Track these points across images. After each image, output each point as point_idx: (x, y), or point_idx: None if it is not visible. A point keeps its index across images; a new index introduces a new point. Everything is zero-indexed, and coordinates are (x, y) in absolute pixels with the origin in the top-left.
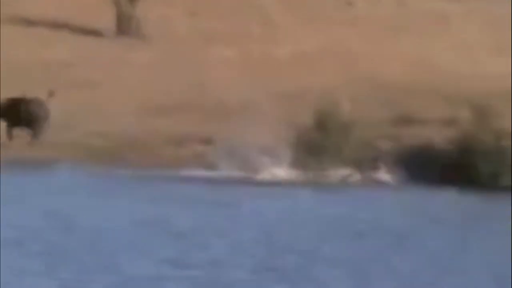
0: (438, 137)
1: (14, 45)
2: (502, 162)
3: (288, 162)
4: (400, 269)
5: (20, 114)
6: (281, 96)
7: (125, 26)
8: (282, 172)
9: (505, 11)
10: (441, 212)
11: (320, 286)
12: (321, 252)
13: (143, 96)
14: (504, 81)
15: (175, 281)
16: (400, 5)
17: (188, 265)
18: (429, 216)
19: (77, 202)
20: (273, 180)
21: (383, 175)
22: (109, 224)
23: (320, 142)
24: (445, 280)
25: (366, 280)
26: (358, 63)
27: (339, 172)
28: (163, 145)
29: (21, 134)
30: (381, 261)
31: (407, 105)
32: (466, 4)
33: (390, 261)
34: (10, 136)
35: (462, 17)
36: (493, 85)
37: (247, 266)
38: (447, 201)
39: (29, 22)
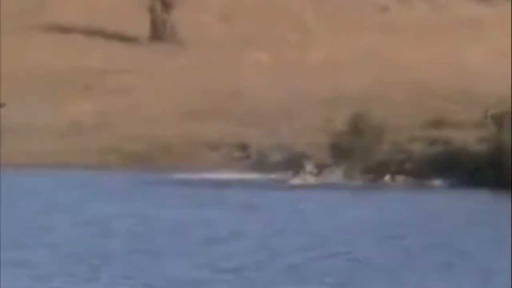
0: (471, 139)
1: (50, 52)
2: None
3: (323, 165)
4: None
5: None
6: (316, 101)
7: (160, 32)
8: (316, 176)
9: None
10: (475, 213)
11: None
12: (360, 254)
13: (178, 101)
14: None
15: (213, 284)
16: (434, 10)
17: (225, 269)
18: (464, 216)
19: (113, 206)
20: (307, 184)
21: (415, 177)
22: (145, 229)
23: (353, 145)
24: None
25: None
26: (392, 68)
27: (371, 175)
28: (198, 150)
29: None
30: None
31: (441, 109)
32: (499, 8)
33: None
34: None
35: (495, 21)
36: None
37: (285, 269)
38: (480, 201)
39: (64, 30)
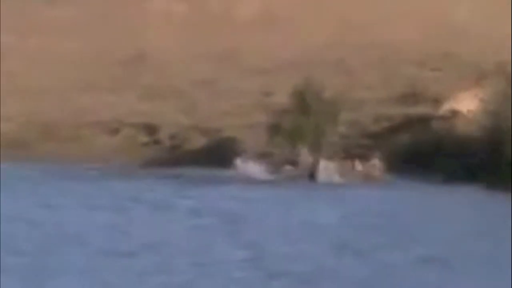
0: (458, 120)
1: None
2: None
3: (260, 152)
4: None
5: None
6: (248, 69)
7: None
8: (251, 165)
9: None
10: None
11: None
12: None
13: (64, 68)
14: None
15: None
16: None
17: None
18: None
19: None
20: (239, 175)
21: (378, 167)
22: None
23: (299, 126)
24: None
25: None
26: (348, 26)
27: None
28: (90, 132)
29: None
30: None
31: (416, 78)
32: None
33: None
34: None
35: None
36: None
37: None
38: (479, 201)
39: None
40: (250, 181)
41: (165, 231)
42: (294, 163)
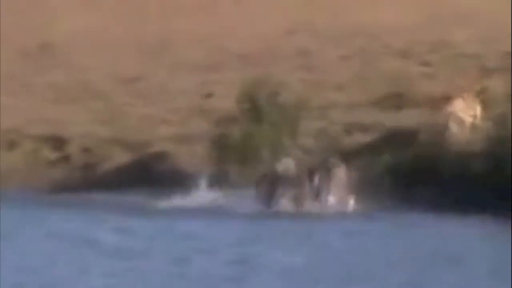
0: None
1: None
2: None
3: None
4: None
5: None
6: (186, 65)
7: None
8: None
9: None
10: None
11: None
12: None
13: None
14: None
15: None
16: None
17: None
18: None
19: None
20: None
21: (346, 193)
22: None
23: (248, 136)
24: None
25: None
26: (317, 6)
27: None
28: None
29: None
30: None
31: (400, 73)
32: None
33: None
34: None
35: None
36: None
37: None
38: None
39: None
40: (191, 210)
41: (85, 274)
42: (243, 185)
